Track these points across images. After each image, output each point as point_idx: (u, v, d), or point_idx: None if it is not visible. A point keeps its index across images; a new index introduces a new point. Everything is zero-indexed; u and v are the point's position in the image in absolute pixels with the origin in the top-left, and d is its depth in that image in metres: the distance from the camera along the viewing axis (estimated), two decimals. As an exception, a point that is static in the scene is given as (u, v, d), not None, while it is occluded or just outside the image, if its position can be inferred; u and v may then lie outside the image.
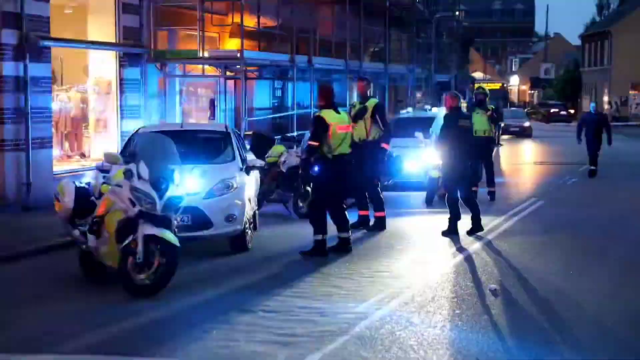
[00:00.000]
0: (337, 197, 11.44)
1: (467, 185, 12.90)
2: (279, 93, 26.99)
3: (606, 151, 22.62)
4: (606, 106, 58.10)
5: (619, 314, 8.28)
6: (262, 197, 14.41)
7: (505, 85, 68.04)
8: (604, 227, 13.96)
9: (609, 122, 23.87)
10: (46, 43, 15.55)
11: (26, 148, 15.13)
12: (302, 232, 13.33)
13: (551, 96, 78.65)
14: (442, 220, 12.89)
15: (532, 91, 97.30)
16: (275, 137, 17.52)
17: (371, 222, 13.24)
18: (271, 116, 24.96)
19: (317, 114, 11.55)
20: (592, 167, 22.20)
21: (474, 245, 11.86)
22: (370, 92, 13.32)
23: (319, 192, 11.35)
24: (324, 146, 11.14)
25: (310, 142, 11.37)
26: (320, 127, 11.15)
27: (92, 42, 17.91)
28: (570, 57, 79.76)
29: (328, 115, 11.20)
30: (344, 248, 11.28)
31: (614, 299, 8.88)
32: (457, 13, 44.05)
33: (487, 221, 14.01)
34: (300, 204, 14.91)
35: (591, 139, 22.24)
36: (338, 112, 11.35)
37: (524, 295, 8.87)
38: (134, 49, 18.41)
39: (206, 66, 20.08)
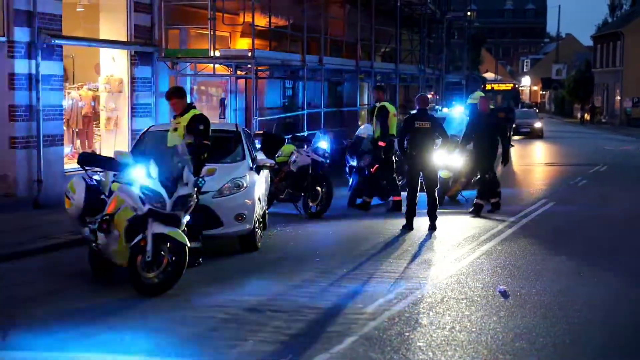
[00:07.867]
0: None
1: None
2: (289, 93, 26.97)
3: (615, 153, 22.35)
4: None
5: (629, 315, 8.26)
6: (272, 196, 14.41)
7: (516, 85, 67.73)
8: (614, 229, 13.93)
9: (505, 127, 15.44)
10: (58, 41, 15.60)
11: (37, 145, 15.19)
12: (312, 232, 13.35)
13: (563, 97, 78.38)
14: (452, 220, 12.87)
15: (544, 92, 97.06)
16: (286, 137, 17.52)
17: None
18: (282, 115, 24.95)
19: None
20: (480, 202, 14.92)
21: (483, 247, 11.84)
22: (386, 97, 16.40)
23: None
24: None
25: None
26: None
27: (104, 41, 17.96)
28: (582, 58, 79.42)
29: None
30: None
31: (624, 301, 8.85)
32: (468, 13, 43.84)
33: (497, 222, 14.00)
34: (310, 204, 14.91)
35: (483, 151, 15.03)
36: None
37: (534, 297, 8.84)
38: (145, 48, 18.45)
39: (217, 65, 20.09)
